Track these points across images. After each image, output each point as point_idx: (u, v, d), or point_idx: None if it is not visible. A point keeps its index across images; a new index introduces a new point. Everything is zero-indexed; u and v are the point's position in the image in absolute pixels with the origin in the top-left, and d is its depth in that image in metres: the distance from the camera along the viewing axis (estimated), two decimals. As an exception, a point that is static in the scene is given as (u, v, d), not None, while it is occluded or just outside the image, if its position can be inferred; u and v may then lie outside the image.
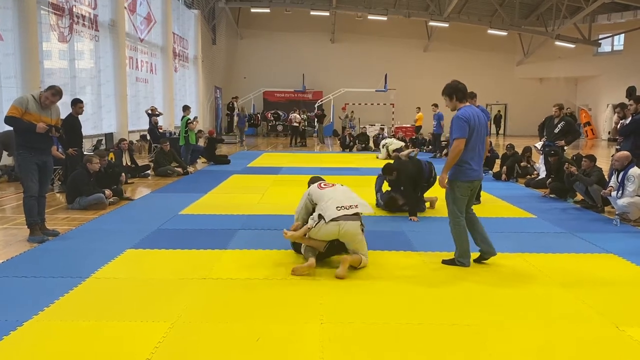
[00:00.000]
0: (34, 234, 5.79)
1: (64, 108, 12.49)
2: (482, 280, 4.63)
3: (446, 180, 4.86)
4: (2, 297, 4.10)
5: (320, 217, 4.84)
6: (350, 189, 5.20)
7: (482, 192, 8.93)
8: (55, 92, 5.81)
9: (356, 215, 4.85)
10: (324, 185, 5.23)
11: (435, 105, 16.60)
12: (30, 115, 5.63)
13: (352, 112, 25.75)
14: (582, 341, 3.46)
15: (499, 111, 27.27)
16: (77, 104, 8.69)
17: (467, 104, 4.93)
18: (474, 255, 5.10)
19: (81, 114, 8.83)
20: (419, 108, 23.08)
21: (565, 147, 9.65)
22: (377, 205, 7.83)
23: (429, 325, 3.65)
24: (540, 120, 10.22)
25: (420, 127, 21.37)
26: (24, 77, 10.93)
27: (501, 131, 31.22)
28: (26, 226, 5.86)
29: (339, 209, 4.81)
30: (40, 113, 5.72)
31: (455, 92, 4.89)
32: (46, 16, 12.31)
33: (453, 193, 4.89)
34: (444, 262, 5.07)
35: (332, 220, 4.74)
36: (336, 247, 4.96)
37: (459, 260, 5.00)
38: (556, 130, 9.48)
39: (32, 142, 5.70)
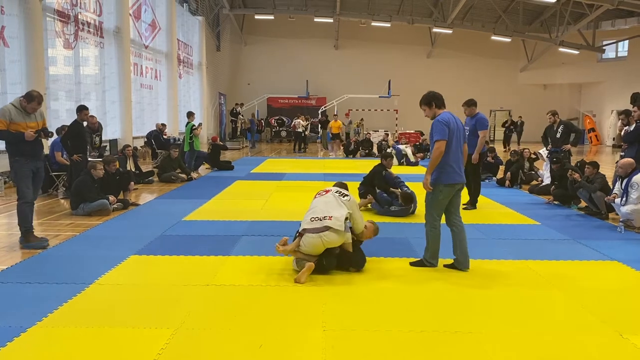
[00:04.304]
0: (29, 241, 5.80)
1: (69, 114, 12.57)
2: (484, 288, 4.62)
3: (429, 182, 4.95)
4: (5, 303, 4.12)
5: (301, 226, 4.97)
6: (338, 198, 5.12)
7: (485, 199, 9.07)
8: (40, 100, 5.80)
9: (329, 227, 4.78)
10: (319, 194, 5.29)
11: None
12: (17, 124, 5.66)
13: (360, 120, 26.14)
14: (585, 349, 3.45)
15: (520, 117, 25.66)
16: (82, 110, 8.74)
17: (445, 110, 5.11)
18: (445, 261, 5.21)
19: (86, 120, 8.87)
20: (336, 116, 23.50)
21: (572, 150, 9.67)
22: (383, 213, 7.87)
23: (431, 333, 3.64)
24: (544, 128, 10.21)
25: (337, 134, 21.72)
26: (29, 84, 10.98)
27: (511, 138, 25.91)
28: (21, 233, 5.86)
29: (312, 220, 4.88)
30: (26, 120, 5.76)
31: (434, 99, 5.08)
32: (52, 23, 12.40)
33: (435, 197, 5.01)
34: (412, 264, 5.20)
35: (306, 232, 4.82)
36: (337, 259, 4.97)
37: (429, 261, 5.14)
38: (558, 135, 9.49)
39: (24, 150, 5.73)
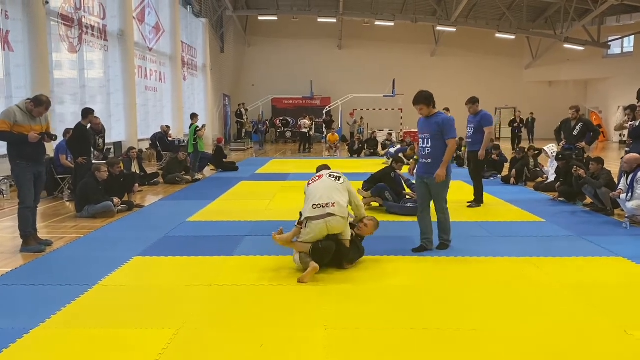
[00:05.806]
0: (28, 244, 5.79)
1: (75, 118, 12.63)
2: (489, 284, 4.60)
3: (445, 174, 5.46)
4: (9, 305, 4.14)
5: (301, 215, 4.95)
6: (334, 182, 5.10)
7: (490, 196, 9.14)
8: (49, 105, 5.80)
9: (333, 214, 4.78)
10: (312, 180, 5.24)
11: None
12: (21, 127, 5.60)
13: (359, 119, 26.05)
14: (590, 344, 3.42)
15: (531, 114, 24.95)
16: (89, 115, 8.80)
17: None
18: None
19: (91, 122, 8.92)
20: (334, 130, 23.69)
21: (586, 148, 9.55)
22: (390, 211, 7.86)
23: (434, 331, 3.63)
24: (551, 123, 10.11)
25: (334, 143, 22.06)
26: (34, 88, 11.04)
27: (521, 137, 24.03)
28: (20, 237, 5.85)
29: (315, 207, 4.84)
30: (31, 123, 5.69)
31: (432, 99, 5.52)
32: (56, 27, 12.47)
33: (447, 186, 5.63)
34: (437, 247, 5.69)
35: (311, 219, 4.78)
36: (333, 253, 4.93)
37: (449, 240, 5.75)
38: (575, 133, 9.33)
39: (26, 154, 5.68)
